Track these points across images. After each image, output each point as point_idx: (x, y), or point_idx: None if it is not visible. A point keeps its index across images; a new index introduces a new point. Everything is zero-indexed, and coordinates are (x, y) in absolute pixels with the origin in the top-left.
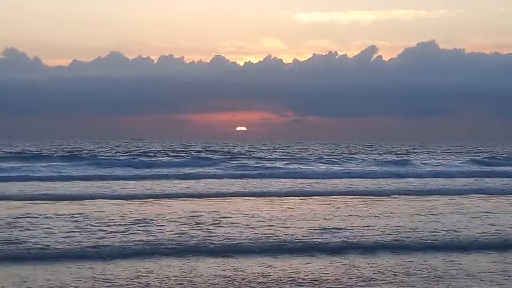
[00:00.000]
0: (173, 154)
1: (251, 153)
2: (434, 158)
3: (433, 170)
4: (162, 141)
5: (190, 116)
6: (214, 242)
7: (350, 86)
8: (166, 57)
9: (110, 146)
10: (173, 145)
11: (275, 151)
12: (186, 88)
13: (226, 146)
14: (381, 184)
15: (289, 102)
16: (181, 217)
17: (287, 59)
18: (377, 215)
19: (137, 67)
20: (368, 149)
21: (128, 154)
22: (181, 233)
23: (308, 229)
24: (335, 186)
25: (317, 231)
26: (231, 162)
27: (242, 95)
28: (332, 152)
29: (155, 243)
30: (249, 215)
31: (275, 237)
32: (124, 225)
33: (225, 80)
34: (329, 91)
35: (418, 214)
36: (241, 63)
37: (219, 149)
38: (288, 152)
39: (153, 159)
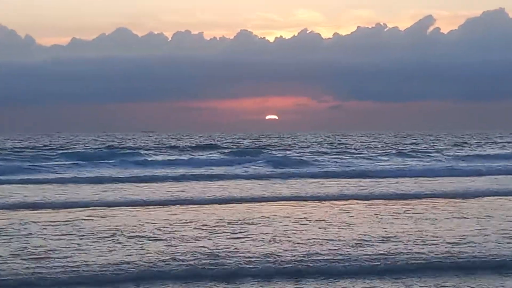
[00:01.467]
0: (198, 149)
1: (295, 147)
2: None
3: None
4: (178, 133)
5: (211, 103)
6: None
7: (401, 64)
8: (182, 33)
9: (118, 140)
10: (193, 138)
11: (319, 143)
12: (205, 70)
13: (258, 139)
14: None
15: (328, 84)
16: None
17: (326, 33)
18: None
19: (148, 45)
20: (433, 139)
21: (153, 149)
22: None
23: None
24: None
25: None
26: (279, 157)
27: (272, 77)
28: (396, 144)
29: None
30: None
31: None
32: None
33: (252, 60)
34: (376, 71)
35: None
36: (271, 39)
37: (253, 142)
38: (337, 145)
39: (182, 157)
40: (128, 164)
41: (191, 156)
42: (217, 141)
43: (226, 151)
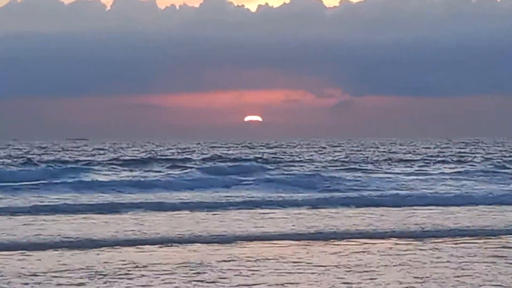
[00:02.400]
0: (163, 163)
1: (296, 158)
2: None
3: None
4: (121, 141)
5: (167, 98)
6: None
7: (432, 43)
8: (125, 0)
9: (38, 150)
10: (144, 147)
11: (329, 154)
12: (159, 51)
13: (237, 148)
14: None
15: (332, 72)
16: None
17: (330, 0)
18: None
19: (76, 16)
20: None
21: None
22: None
23: None
24: None
25: None
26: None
27: (253, 62)
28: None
29: None
30: None
31: None
32: None
33: (225, 37)
34: (399, 53)
35: None
36: (252, 7)
37: (229, 153)
38: (356, 157)
39: (150, 174)
40: (69, 187)
41: (164, 173)
42: (181, 151)
43: (205, 165)
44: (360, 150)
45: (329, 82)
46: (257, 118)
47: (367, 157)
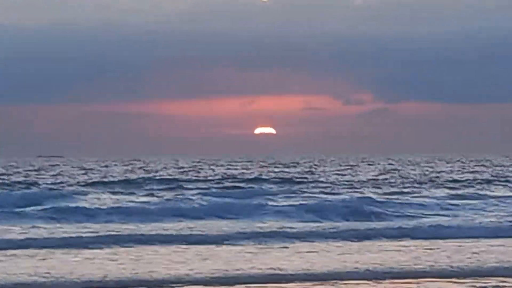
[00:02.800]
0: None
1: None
2: None
3: None
4: (107, 158)
5: (158, 105)
6: None
7: (490, 37)
8: None
9: (6, 169)
10: (133, 163)
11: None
12: (148, 49)
13: (246, 165)
14: None
15: (361, 74)
16: None
17: None
18: None
19: (45, 5)
20: None
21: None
22: None
23: None
24: None
25: None
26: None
27: (264, 61)
28: None
29: None
30: None
31: None
32: None
33: (230, 30)
34: (446, 50)
35: None
36: None
37: (244, 172)
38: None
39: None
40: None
41: (160, 197)
42: (179, 170)
43: (212, 187)
44: (398, 169)
45: (358, 86)
46: (270, 130)
47: (407, 177)
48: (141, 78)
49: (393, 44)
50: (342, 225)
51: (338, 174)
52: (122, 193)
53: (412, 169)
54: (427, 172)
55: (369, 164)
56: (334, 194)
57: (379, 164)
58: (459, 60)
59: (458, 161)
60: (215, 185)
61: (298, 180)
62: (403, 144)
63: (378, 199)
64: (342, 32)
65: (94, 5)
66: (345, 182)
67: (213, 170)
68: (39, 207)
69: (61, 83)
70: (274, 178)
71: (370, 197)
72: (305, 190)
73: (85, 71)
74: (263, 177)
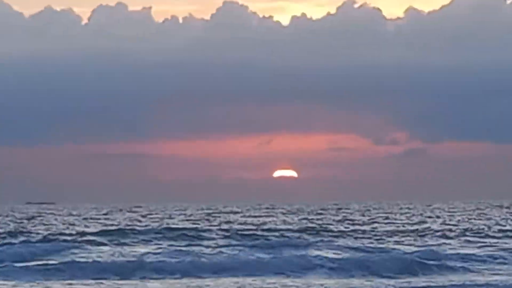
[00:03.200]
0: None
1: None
2: None
3: None
4: (105, 205)
5: (163, 146)
6: None
7: None
8: (106, 9)
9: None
10: (136, 211)
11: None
12: (153, 81)
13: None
14: None
15: (396, 109)
16: None
17: (395, 8)
18: None
19: (39, 32)
20: None
21: None
22: None
23: None
24: None
25: None
26: None
27: (285, 94)
28: None
29: None
30: None
31: None
32: None
33: (247, 60)
34: (494, 81)
35: None
36: (285, 19)
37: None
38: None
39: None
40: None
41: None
42: (193, 219)
43: (241, 236)
44: (450, 216)
45: (391, 123)
46: (291, 172)
47: (465, 226)
48: (143, 115)
49: (432, 75)
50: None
51: (376, 222)
52: (126, 244)
53: (460, 218)
54: (475, 220)
55: (408, 211)
56: (381, 245)
57: (423, 212)
58: (508, 94)
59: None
60: (239, 236)
61: (332, 229)
62: (444, 189)
63: (445, 252)
64: (372, 62)
65: (99, 31)
66: (387, 232)
67: (230, 218)
68: (27, 263)
69: (51, 121)
70: (308, 228)
71: (432, 250)
72: (345, 240)
73: (78, 107)
74: (292, 227)
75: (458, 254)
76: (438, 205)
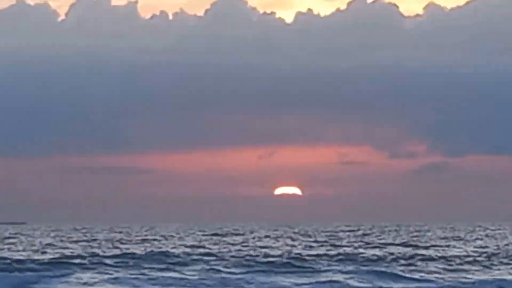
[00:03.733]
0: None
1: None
2: None
3: None
4: (88, 224)
5: (155, 158)
6: None
7: None
8: (85, 2)
9: None
10: (125, 230)
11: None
12: (141, 85)
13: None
14: None
15: (414, 118)
16: None
17: (413, 4)
18: None
19: (11, 28)
20: None
21: None
22: None
23: None
24: None
25: None
26: None
27: (289, 101)
28: None
29: None
30: None
31: None
32: None
33: (246, 61)
34: None
35: None
36: (288, 15)
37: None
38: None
39: None
40: None
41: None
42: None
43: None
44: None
45: (408, 134)
46: (294, 189)
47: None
48: (134, 124)
49: (455, 79)
50: None
51: (438, 246)
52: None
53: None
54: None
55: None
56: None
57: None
58: None
59: None
60: (250, 261)
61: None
62: (468, 207)
63: None
64: (388, 64)
65: (78, 28)
66: (457, 257)
67: (232, 240)
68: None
69: (19, 128)
70: (339, 255)
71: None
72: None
73: (51, 112)
74: (315, 251)
75: None
76: (465, 228)
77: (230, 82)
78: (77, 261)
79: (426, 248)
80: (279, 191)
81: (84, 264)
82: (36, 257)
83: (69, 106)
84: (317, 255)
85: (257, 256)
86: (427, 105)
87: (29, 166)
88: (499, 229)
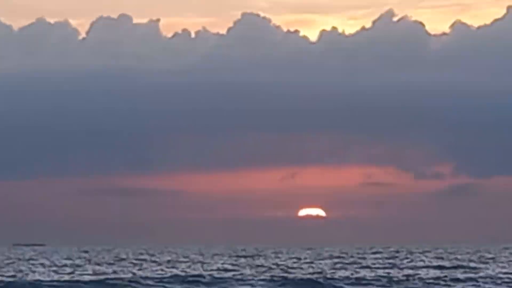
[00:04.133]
0: None
1: None
2: None
3: None
4: (104, 246)
5: (172, 179)
6: None
7: None
8: (106, 21)
9: None
10: (144, 255)
11: None
12: (162, 104)
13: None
14: None
15: (440, 139)
16: None
17: (440, 22)
18: None
19: (29, 48)
20: None
21: None
22: None
23: None
24: None
25: None
26: None
27: (312, 122)
28: None
29: None
30: None
31: None
32: None
33: (270, 80)
34: None
35: None
36: (313, 34)
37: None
38: None
39: None
40: None
41: None
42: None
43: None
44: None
45: (435, 154)
46: (318, 211)
47: None
48: (151, 145)
49: (481, 101)
50: None
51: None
52: None
53: None
54: None
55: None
56: None
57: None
58: None
59: None
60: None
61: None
62: (497, 229)
63: None
64: (414, 84)
65: (99, 47)
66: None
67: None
68: None
69: (41, 149)
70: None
71: None
72: None
73: (74, 133)
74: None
75: None
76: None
77: (253, 102)
78: None
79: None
80: (302, 212)
81: None
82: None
83: (89, 126)
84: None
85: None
86: (453, 125)
87: (48, 187)
88: None
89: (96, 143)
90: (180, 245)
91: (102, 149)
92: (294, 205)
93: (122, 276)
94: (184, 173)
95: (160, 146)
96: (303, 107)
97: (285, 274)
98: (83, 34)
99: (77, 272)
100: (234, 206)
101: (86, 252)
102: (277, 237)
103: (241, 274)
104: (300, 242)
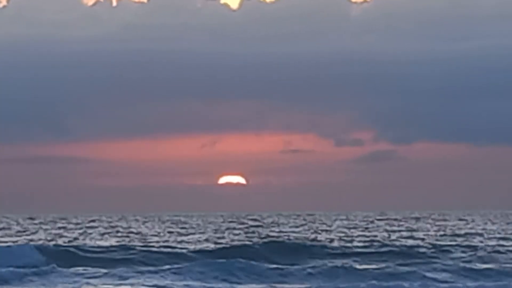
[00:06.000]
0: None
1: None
2: None
3: None
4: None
5: (92, 147)
6: None
7: None
8: None
9: None
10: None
11: None
12: (81, 71)
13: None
14: None
15: (360, 105)
16: None
17: None
18: None
19: None
20: None
21: None
22: None
23: None
24: None
25: None
26: None
27: (232, 89)
28: None
29: None
30: None
31: None
32: None
33: (189, 48)
34: (472, 74)
35: None
36: (233, 2)
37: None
38: None
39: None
40: None
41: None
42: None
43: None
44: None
45: (356, 121)
46: (238, 179)
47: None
48: (70, 113)
49: (403, 65)
50: None
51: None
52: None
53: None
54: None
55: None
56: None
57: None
58: (496, 87)
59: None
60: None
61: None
62: (416, 197)
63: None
64: (335, 51)
65: (17, 15)
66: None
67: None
68: None
69: None
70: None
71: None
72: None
73: None
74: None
75: None
76: (409, 216)
77: (172, 70)
78: None
79: None
80: (222, 180)
81: None
82: None
83: (4, 96)
84: None
85: None
86: (374, 91)
87: None
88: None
89: (14, 112)
90: (90, 212)
91: (19, 118)
92: (215, 173)
93: None
94: (103, 141)
95: (79, 115)
96: (222, 75)
97: None
98: (4, 2)
99: None
100: (153, 174)
101: None
102: (197, 205)
103: None
104: (220, 210)
